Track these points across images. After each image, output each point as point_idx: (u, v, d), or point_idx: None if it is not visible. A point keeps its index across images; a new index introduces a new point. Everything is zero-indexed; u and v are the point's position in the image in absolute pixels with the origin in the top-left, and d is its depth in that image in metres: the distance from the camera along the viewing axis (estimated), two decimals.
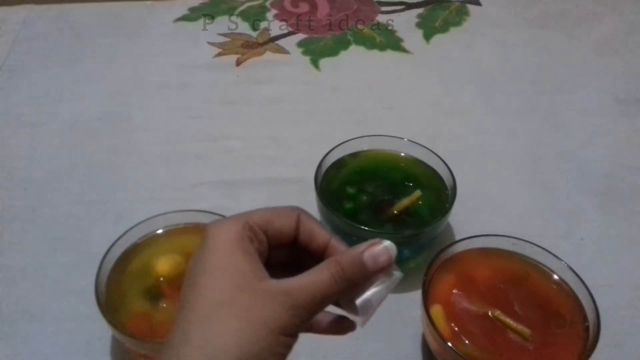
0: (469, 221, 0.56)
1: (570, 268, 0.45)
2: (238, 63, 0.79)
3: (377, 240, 0.31)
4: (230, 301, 0.28)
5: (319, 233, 0.32)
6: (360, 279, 0.30)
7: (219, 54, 0.81)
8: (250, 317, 0.28)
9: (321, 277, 0.29)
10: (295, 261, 0.33)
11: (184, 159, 0.65)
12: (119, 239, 0.47)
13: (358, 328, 0.33)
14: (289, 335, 0.28)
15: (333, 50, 0.82)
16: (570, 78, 0.78)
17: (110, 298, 0.45)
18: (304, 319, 0.29)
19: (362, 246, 0.31)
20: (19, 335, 0.49)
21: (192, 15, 0.89)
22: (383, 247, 0.31)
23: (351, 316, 0.33)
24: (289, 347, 0.29)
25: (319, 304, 0.29)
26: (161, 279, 0.46)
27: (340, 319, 0.34)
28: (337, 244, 0.32)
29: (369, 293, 0.31)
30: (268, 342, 0.27)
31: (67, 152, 0.66)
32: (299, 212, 0.32)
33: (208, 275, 0.29)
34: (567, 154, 0.66)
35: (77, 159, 0.65)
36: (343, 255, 0.30)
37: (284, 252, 0.32)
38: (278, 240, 0.31)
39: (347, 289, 0.30)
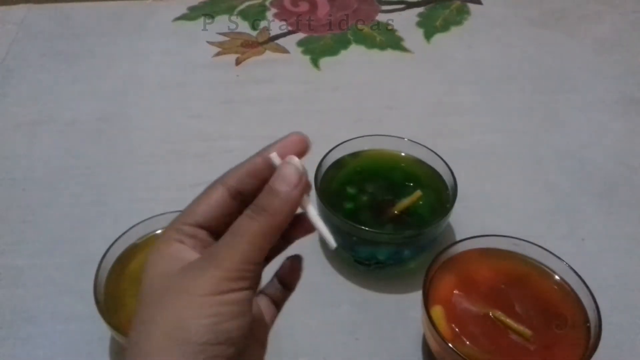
0: (470, 221, 0.56)
1: (572, 268, 0.45)
2: (238, 62, 0.79)
3: (282, 162, 0.30)
4: (168, 288, 0.28)
5: (253, 167, 0.31)
6: (279, 203, 0.29)
7: (218, 54, 0.80)
8: (187, 292, 0.27)
9: (237, 222, 0.29)
10: None
11: (183, 159, 0.65)
12: (117, 239, 0.47)
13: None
14: (238, 289, 0.27)
15: (333, 49, 0.82)
16: (571, 77, 0.77)
17: (109, 298, 0.44)
18: (233, 267, 0.28)
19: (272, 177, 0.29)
20: (17, 336, 0.49)
21: (192, 14, 0.88)
22: (285, 164, 0.29)
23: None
24: (241, 303, 0.28)
25: (248, 248, 0.28)
26: None
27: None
28: (270, 150, 0.31)
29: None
30: (215, 308, 0.27)
31: (65, 151, 0.66)
32: (221, 178, 0.32)
33: (145, 278, 0.29)
34: (568, 154, 0.66)
35: (76, 159, 0.65)
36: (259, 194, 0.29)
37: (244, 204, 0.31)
38: (218, 217, 0.31)
39: (274, 219, 0.28)
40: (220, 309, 0.27)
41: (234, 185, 0.31)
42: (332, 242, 0.30)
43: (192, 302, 0.27)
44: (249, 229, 0.28)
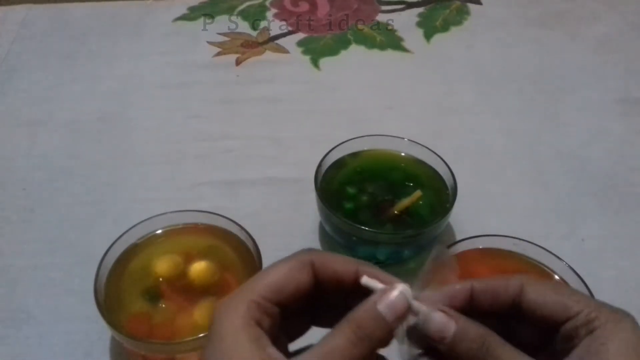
0: (470, 221, 0.56)
1: (571, 268, 0.45)
2: (238, 62, 0.79)
3: (389, 286, 0.28)
4: None
5: (344, 269, 0.29)
6: (382, 334, 0.27)
7: (218, 54, 0.80)
8: None
9: (337, 343, 0.26)
10: (321, 303, 0.30)
11: (183, 159, 0.65)
12: (118, 239, 0.47)
13: None
14: None
15: (333, 49, 0.82)
16: (571, 77, 0.77)
17: (110, 298, 0.44)
18: None
19: (374, 296, 0.27)
20: (17, 336, 0.49)
21: (192, 14, 0.88)
22: (399, 294, 0.27)
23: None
24: None
25: None
26: (160, 279, 0.46)
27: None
28: (366, 269, 0.29)
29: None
30: None
31: (66, 152, 0.65)
32: (311, 258, 0.29)
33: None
34: (568, 154, 0.66)
35: (76, 159, 0.65)
36: (356, 312, 0.27)
37: (305, 302, 0.29)
38: (296, 300, 0.28)
39: (371, 350, 0.27)
40: None
41: (322, 276, 0.29)
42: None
43: None
44: (347, 356, 0.26)
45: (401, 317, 0.27)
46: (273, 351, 0.26)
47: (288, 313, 0.29)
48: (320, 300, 0.30)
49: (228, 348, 0.26)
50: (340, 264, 0.29)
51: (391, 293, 0.27)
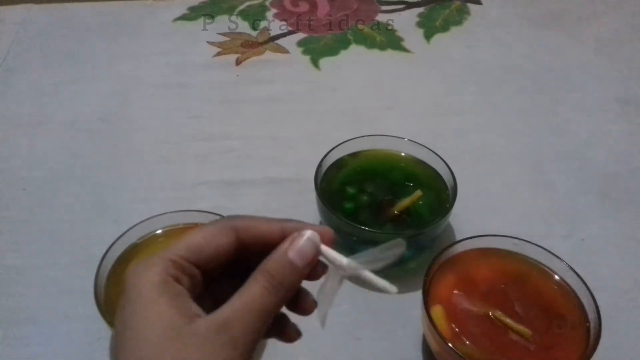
0: (470, 221, 0.56)
1: (571, 268, 0.45)
2: (238, 62, 0.79)
3: (297, 233, 0.28)
4: (159, 355, 0.25)
5: (268, 232, 0.29)
6: (294, 280, 0.28)
7: (218, 54, 0.80)
8: None
9: (253, 294, 0.27)
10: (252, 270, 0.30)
11: (183, 159, 0.65)
12: (118, 239, 0.47)
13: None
14: None
15: (333, 49, 0.82)
16: (571, 78, 0.77)
17: (110, 298, 0.44)
18: (248, 347, 0.26)
19: (284, 244, 0.28)
20: (17, 335, 0.49)
21: (192, 14, 0.88)
22: (306, 240, 0.28)
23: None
24: None
25: (259, 325, 0.26)
26: None
27: (284, 322, 0.31)
28: (293, 226, 0.29)
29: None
30: None
31: (66, 151, 0.65)
32: (234, 222, 0.29)
33: (132, 332, 0.25)
34: (568, 154, 0.66)
35: (76, 159, 0.65)
36: (268, 261, 0.28)
37: (235, 266, 0.29)
38: (217, 262, 0.28)
39: (286, 296, 0.28)
40: None
41: (246, 239, 0.29)
42: (391, 288, 0.29)
43: None
44: (265, 304, 0.27)
45: (311, 263, 0.28)
46: (194, 306, 0.26)
47: (214, 277, 0.29)
48: (251, 266, 0.30)
49: (146, 303, 0.25)
50: (264, 225, 0.29)
51: (300, 240, 0.28)
